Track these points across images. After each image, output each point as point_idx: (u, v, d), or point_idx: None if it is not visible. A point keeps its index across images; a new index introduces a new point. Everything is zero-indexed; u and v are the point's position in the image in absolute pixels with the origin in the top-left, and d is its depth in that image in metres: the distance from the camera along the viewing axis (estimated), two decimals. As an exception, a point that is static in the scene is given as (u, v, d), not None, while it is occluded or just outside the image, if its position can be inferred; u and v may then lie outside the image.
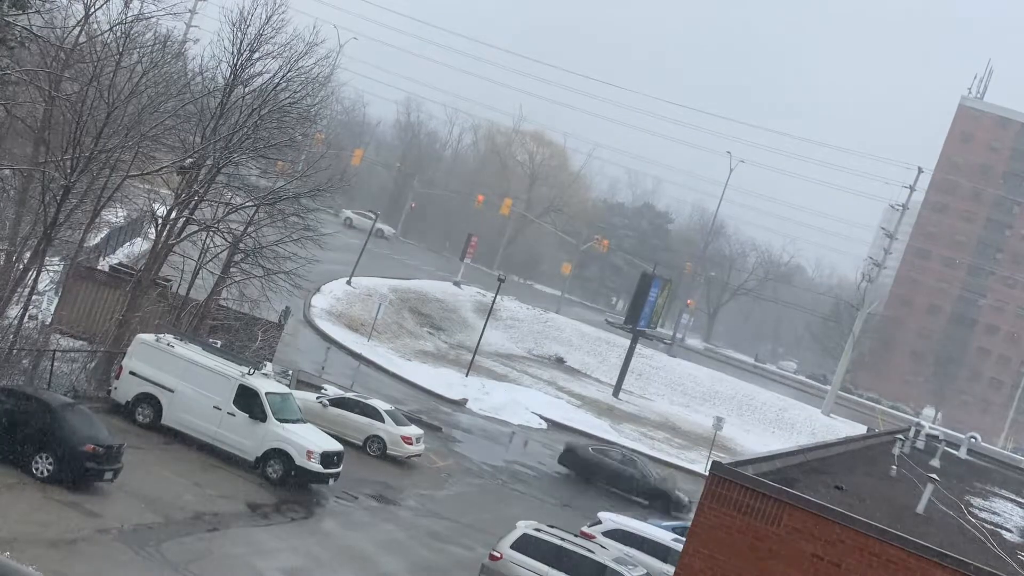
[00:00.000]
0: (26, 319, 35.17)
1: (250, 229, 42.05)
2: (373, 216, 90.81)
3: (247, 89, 41.19)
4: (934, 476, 22.40)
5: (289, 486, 33.21)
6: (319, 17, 55.42)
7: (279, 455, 33.39)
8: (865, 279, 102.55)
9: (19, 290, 34.62)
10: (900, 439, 31.33)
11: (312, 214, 45.26)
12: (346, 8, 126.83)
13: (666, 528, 36.48)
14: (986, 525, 23.55)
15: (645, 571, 30.34)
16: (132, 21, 37.13)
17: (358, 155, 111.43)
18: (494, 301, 72.88)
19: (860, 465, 27.64)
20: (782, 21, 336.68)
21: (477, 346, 68.12)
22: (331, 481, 34.36)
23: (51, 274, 40.03)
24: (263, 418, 33.62)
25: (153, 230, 44.69)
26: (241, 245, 42.10)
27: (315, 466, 33.44)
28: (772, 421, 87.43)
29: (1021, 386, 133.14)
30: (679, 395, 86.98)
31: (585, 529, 33.77)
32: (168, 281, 43.83)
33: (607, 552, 30.02)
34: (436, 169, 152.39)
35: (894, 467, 27.71)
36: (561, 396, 68.87)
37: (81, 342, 39.35)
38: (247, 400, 33.87)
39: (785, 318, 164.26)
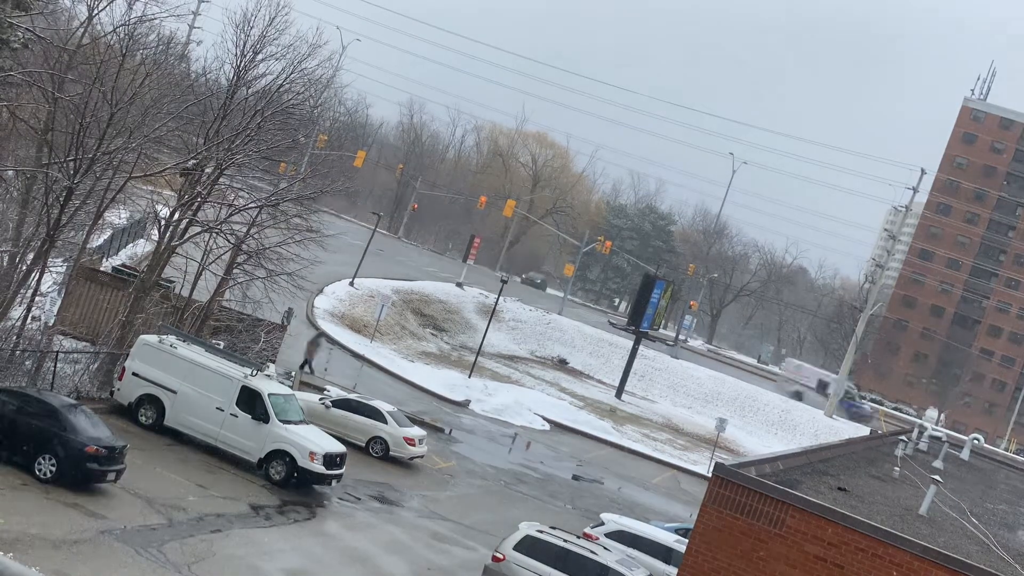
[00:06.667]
0: (29, 320, 35.18)
1: (253, 230, 42.06)
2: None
3: (250, 90, 41.20)
4: (937, 478, 22.38)
5: (292, 487, 33.22)
6: (322, 19, 55.41)
7: (282, 456, 33.39)
8: (868, 280, 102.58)
9: (22, 291, 34.62)
10: (903, 440, 31.32)
11: (314, 215, 45.27)
12: (349, 10, 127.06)
13: (669, 529, 36.49)
14: (989, 527, 23.53)
15: (648, 572, 30.32)
16: (135, 22, 37.18)
17: (361, 156, 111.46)
18: (496, 302, 72.89)
19: (863, 466, 27.62)
20: (785, 22, 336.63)
21: (480, 347, 68.13)
22: (334, 482, 34.36)
23: (54, 275, 40.01)
24: (266, 419, 33.63)
25: (156, 231, 44.72)
26: (244, 246, 42.11)
27: (318, 467, 33.44)
28: (775, 422, 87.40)
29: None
30: (682, 396, 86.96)
31: (588, 530, 33.75)
32: (171, 282, 43.86)
33: (610, 553, 30.01)
34: (438, 171, 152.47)
35: (897, 468, 27.71)
36: (563, 397, 68.84)
37: (84, 343, 39.38)
38: (250, 401, 33.87)
39: (788, 320, 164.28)
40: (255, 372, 34.70)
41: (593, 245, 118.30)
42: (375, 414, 41.27)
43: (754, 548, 18.51)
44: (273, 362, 44.50)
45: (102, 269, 48.15)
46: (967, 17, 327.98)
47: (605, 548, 30.76)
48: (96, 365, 36.77)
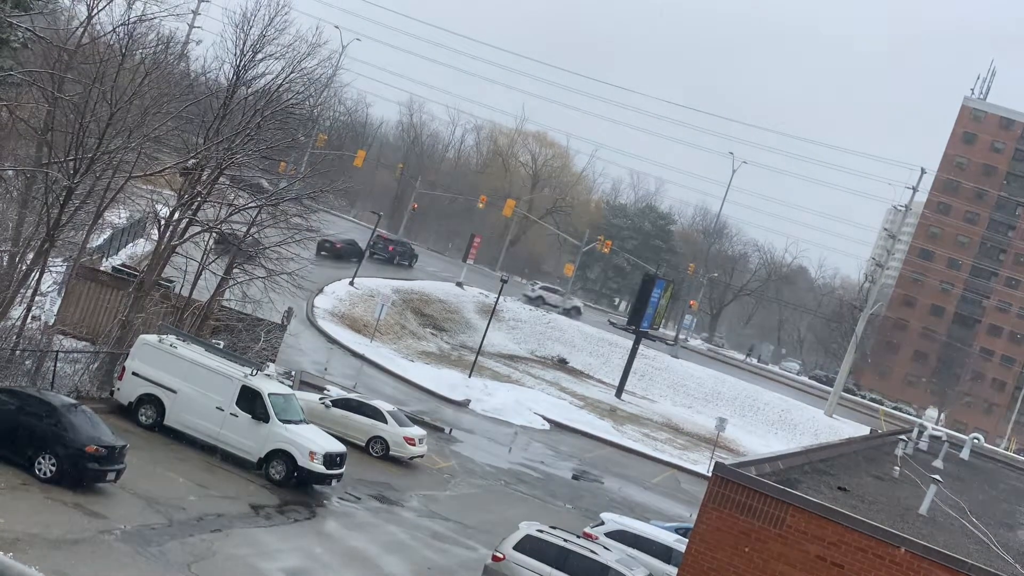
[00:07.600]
0: (29, 320, 35.19)
1: (253, 230, 42.06)
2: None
3: (250, 90, 41.22)
4: (937, 477, 22.38)
5: (292, 487, 33.22)
6: (322, 18, 55.49)
7: (282, 456, 33.40)
8: (868, 280, 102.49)
9: (22, 291, 34.64)
10: (903, 440, 31.32)
11: (314, 215, 45.28)
12: (349, 9, 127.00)
13: (669, 529, 36.48)
14: (989, 527, 23.53)
15: (648, 572, 30.32)
16: (135, 22, 37.20)
17: (360, 156, 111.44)
18: (496, 302, 72.90)
19: (863, 466, 27.63)
20: (785, 21, 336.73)
21: (480, 347, 68.12)
22: (334, 482, 34.36)
23: (54, 275, 40.05)
24: (266, 419, 33.63)
25: (156, 231, 44.73)
26: (243, 246, 42.10)
27: (318, 467, 33.45)
28: (775, 422, 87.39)
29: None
30: (682, 396, 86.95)
31: (588, 530, 33.74)
32: (171, 282, 43.86)
33: (610, 553, 30.01)
34: (438, 170, 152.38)
35: (897, 468, 27.71)
36: (564, 397, 68.86)
37: (84, 343, 39.39)
38: (250, 401, 33.88)
39: (788, 319, 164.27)
40: (255, 372, 34.70)
41: (593, 245, 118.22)
42: (375, 414, 41.26)
43: (754, 547, 18.50)
44: (273, 362, 44.51)
45: (102, 269, 48.15)
46: (967, 17, 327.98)
47: (605, 548, 30.76)
48: (96, 365, 36.77)
